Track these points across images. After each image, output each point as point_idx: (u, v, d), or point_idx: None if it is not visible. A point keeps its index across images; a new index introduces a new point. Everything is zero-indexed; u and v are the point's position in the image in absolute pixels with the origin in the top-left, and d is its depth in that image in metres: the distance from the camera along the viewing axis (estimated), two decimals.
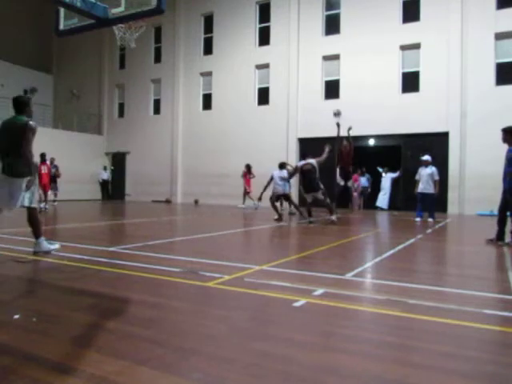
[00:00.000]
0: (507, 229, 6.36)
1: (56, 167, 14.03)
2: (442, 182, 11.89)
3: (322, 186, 9.24)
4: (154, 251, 5.11)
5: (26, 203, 4.69)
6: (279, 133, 17.57)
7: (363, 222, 10.88)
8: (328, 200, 9.45)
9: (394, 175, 15.60)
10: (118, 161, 22.27)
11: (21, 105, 4.79)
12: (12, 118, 4.78)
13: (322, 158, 9.40)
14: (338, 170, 11.48)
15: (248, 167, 16.28)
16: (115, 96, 22.87)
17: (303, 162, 9.44)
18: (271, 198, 10.45)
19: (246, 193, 16.10)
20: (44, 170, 12.59)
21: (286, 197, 10.68)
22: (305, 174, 9.31)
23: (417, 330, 2.52)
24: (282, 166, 10.74)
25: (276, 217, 9.96)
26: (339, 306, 2.94)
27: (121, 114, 22.77)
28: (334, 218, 9.21)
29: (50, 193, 13.43)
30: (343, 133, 11.82)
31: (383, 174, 16.12)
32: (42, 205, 12.11)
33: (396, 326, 2.60)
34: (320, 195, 9.27)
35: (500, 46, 14.02)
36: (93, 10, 4.08)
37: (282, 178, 10.43)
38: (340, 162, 11.38)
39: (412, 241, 6.70)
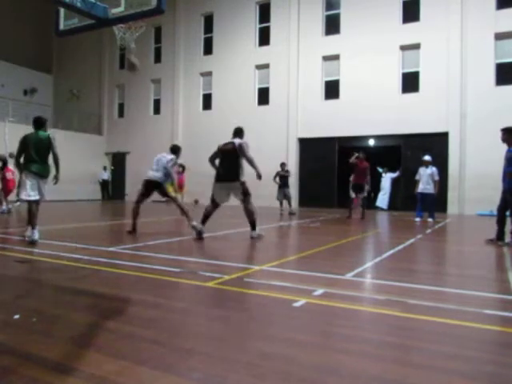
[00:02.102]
0: (507, 229, 6.35)
1: None
2: (442, 182, 11.90)
3: (243, 179, 6.58)
4: (154, 251, 5.11)
5: (45, 197, 6.05)
6: (279, 133, 17.57)
7: (363, 222, 10.88)
8: (251, 206, 6.64)
9: (394, 175, 15.67)
10: (118, 161, 22.26)
11: (42, 123, 6.14)
12: (36, 134, 6.01)
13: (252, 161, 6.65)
14: (350, 184, 11.58)
15: (183, 167, 16.67)
16: (115, 96, 22.87)
17: (226, 141, 6.85)
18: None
19: (179, 190, 16.75)
20: (8, 176, 11.68)
21: (157, 186, 7.20)
22: (224, 156, 6.68)
23: (417, 330, 2.51)
24: (173, 149, 7.63)
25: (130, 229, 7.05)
26: (339, 306, 2.94)
27: (121, 114, 22.77)
28: (254, 234, 6.65)
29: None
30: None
31: (383, 174, 16.19)
32: (5, 207, 11.39)
33: (396, 326, 2.59)
34: (238, 191, 6.54)
35: (500, 46, 14.02)
36: (93, 10, 4.08)
37: (164, 163, 7.15)
38: (354, 177, 11.45)
39: (412, 241, 6.70)
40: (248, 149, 6.63)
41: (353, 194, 11.61)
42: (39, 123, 6.14)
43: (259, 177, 6.64)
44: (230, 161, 6.62)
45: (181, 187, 16.82)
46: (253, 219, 6.66)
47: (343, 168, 16.88)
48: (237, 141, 6.70)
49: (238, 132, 6.96)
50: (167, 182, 7.26)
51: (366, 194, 11.53)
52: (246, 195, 6.61)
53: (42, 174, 5.89)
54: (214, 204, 6.76)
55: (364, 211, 11.40)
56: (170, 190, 7.33)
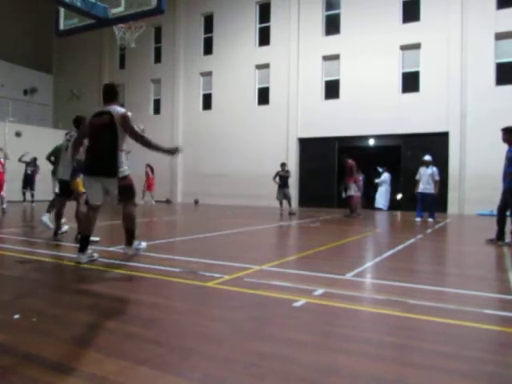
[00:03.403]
0: (507, 229, 6.36)
1: (36, 166, 14.91)
2: (442, 182, 11.91)
3: (124, 169, 4.36)
4: (153, 251, 5.11)
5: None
6: (279, 133, 17.57)
7: (363, 222, 10.87)
8: (133, 211, 4.54)
9: (380, 179, 16.08)
10: None
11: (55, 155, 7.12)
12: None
13: (140, 137, 4.33)
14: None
15: (151, 168, 17.02)
16: None
17: (99, 110, 4.48)
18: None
19: (148, 190, 17.38)
20: None
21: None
22: (94, 135, 4.39)
23: (417, 330, 2.51)
24: (75, 121, 6.69)
25: None
26: (339, 306, 2.94)
27: None
28: (131, 250, 4.66)
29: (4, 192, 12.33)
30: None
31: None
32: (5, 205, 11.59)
33: (396, 326, 2.59)
34: (113, 189, 4.32)
35: (500, 46, 14.02)
36: (93, 10, 4.08)
37: None
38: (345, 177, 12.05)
39: (412, 241, 6.70)
40: (133, 121, 4.33)
41: (344, 194, 11.94)
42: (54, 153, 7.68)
43: (171, 152, 4.46)
44: (103, 142, 4.28)
45: (150, 187, 17.43)
46: (132, 227, 4.56)
47: (343, 168, 16.93)
48: (116, 109, 4.30)
49: (112, 94, 4.48)
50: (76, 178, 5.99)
51: (352, 192, 11.77)
52: (128, 194, 4.45)
53: (54, 175, 7.27)
54: (90, 207, 4.49)
55: (351, 210, 11.77)
56: (79, 185, 5.94)
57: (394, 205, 15.78)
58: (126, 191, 4.44)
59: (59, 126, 21.25)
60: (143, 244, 4.83)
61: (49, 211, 6.76)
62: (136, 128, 4.36)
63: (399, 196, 15.74)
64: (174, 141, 20.37)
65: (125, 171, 4.39)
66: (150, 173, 17.44)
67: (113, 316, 2.67)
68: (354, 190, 11.82)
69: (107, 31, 17.84)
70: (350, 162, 11.78)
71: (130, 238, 4.61)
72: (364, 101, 15.68)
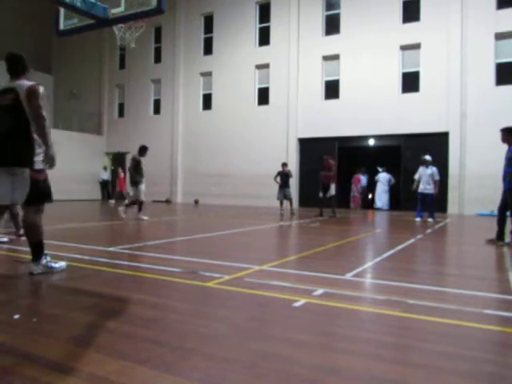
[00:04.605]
0: (507, 229, 6.36)
1: None
2: (442, 182, 11.91)
3: (36, 165, 3.67)
4: (154, 251, 5.11)
5: None
6: (279, 133, 17.58)
7: (363, 222, 10.88)
8: (35, 219, 3.83)
9: (376, 177, 16.25)
10: (118, 161, 22.27)
11: (140, 150, 9.89)
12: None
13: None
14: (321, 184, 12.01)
15: (122, 167, 17.38)
16: (115, 96, 22.87)
17: (3, 86, 3.57)
18: None
19: (121, 189, 17.75)
20: None
21: None
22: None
23: (417, 330, 2.51)
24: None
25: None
26: (339, 306, 2.94)
27: (121, 114, 22.77)
28: (37, 268, 3.79)
29: None
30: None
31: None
32: None
33: (396, 326, 2.59)
34: (22, 180, 3.43)
35: (500, 46, 14.02)
36: (93, 10, 4.09)
37: None
38: (321, 177, 11.97)
39: (412, 241, 6.70)
40: (44, 100, 3.42)
41: (320, 193, 11.98)
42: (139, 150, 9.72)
43: (49, 161, 3.44)
44: (7, 125, 3.40)
45: (122, 187, 17.86)
46: (38, 240, 3.84)
47: (343, 168, 16.91)
48: (22, 83, 3.43)
49: (18, 65, 3.55)
50: None
51: (333, 192, 11.80)
52: (35, 194, 3.63)
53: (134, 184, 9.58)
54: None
55: (334, 210, 11.87)
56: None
57: (394, 204, 15.80)
58: (35, 190, 3.58)
59: (59, 126, 21.24)
60: (61, 264, 3.98)
61: (127, 205, 9.99)
62: (40, 108, 3.35)
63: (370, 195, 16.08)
64: (174, 141, 20.39)
65: (39, 164, 3.61)
66: (121, 173, 17.62)
67: (113, 316, 2.67)
68: (334, 191, 11.82)
69: (107, 31, 17.84)
70: (331, 161, 11.82)
71: (35, 251, 3.79)
72: (364, 101, 15.68)
